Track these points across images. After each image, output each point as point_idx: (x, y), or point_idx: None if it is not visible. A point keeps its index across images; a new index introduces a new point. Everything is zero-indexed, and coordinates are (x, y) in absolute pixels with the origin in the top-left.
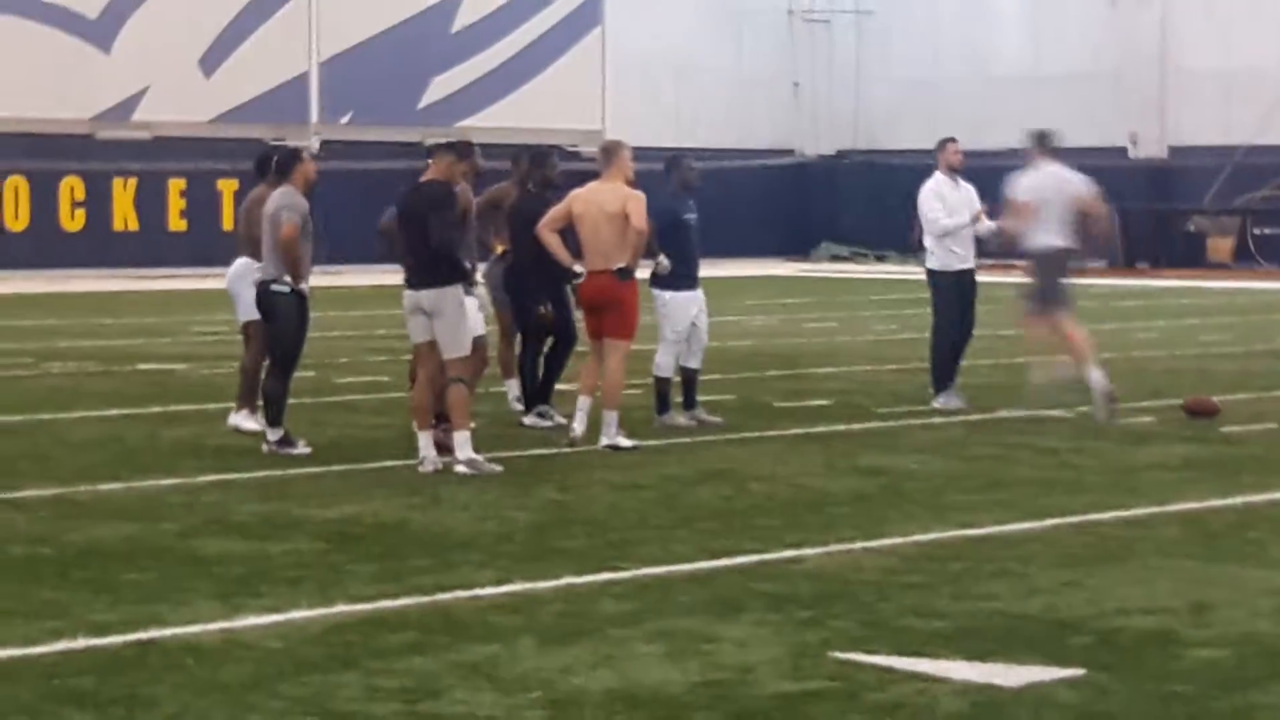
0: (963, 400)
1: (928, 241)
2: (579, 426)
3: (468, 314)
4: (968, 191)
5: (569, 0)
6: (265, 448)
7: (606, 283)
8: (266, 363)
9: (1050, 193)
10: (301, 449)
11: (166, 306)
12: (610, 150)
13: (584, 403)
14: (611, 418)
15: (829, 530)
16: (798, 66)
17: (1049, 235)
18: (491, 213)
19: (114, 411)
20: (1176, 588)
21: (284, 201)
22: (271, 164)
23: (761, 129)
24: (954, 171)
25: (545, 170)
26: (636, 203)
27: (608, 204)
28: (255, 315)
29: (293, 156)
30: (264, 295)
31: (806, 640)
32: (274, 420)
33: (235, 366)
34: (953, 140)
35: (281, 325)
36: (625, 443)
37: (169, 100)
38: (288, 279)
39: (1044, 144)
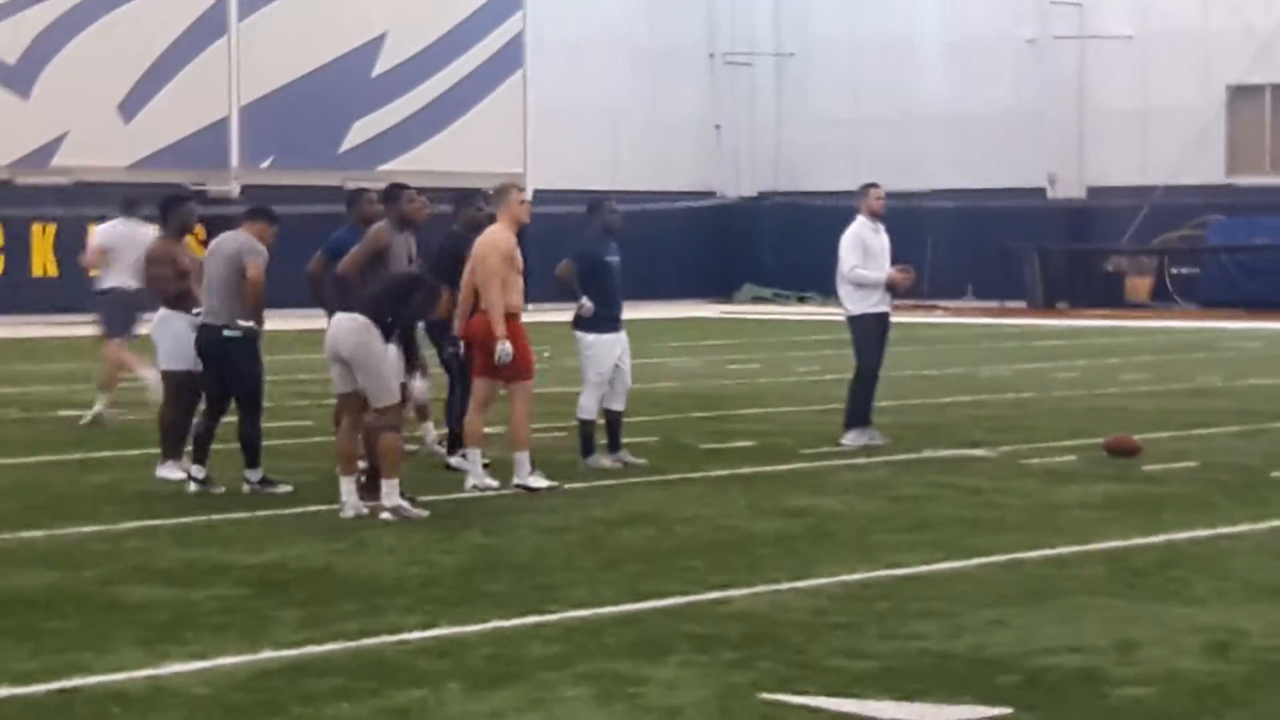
0: (876, 437)
1: (845, 287)
2: (472, 479)
3: (388, 359)
4: (885, 239)
5: (490, 45)
6: (247, 488)
7: (483, 323)
8: (203, 406)
9: (123, 240)
10: (283, 489)
11: (87, 353)
12: (500, 192)
13: (473, 455)
14: (521, 459)
15: (755, 571)
16: (719, 109)
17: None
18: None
19: (34, 458)
20: (1102, 626)
21: (245, 245)
22: (162, 210)
23: (683, 171)
24: (875, 217)
25: (471, 212)
26: (494, 250)
27: (479, 246)
28: (174, 366)
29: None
30: (214, 341)
31: (734, 681)
32: (254, 461)
33: (156, 414)
34: (875, 185)
35: (242, 369)
36: (538, 483)
37: (88, 145)
38: (241, 322)
39: (129, 209)
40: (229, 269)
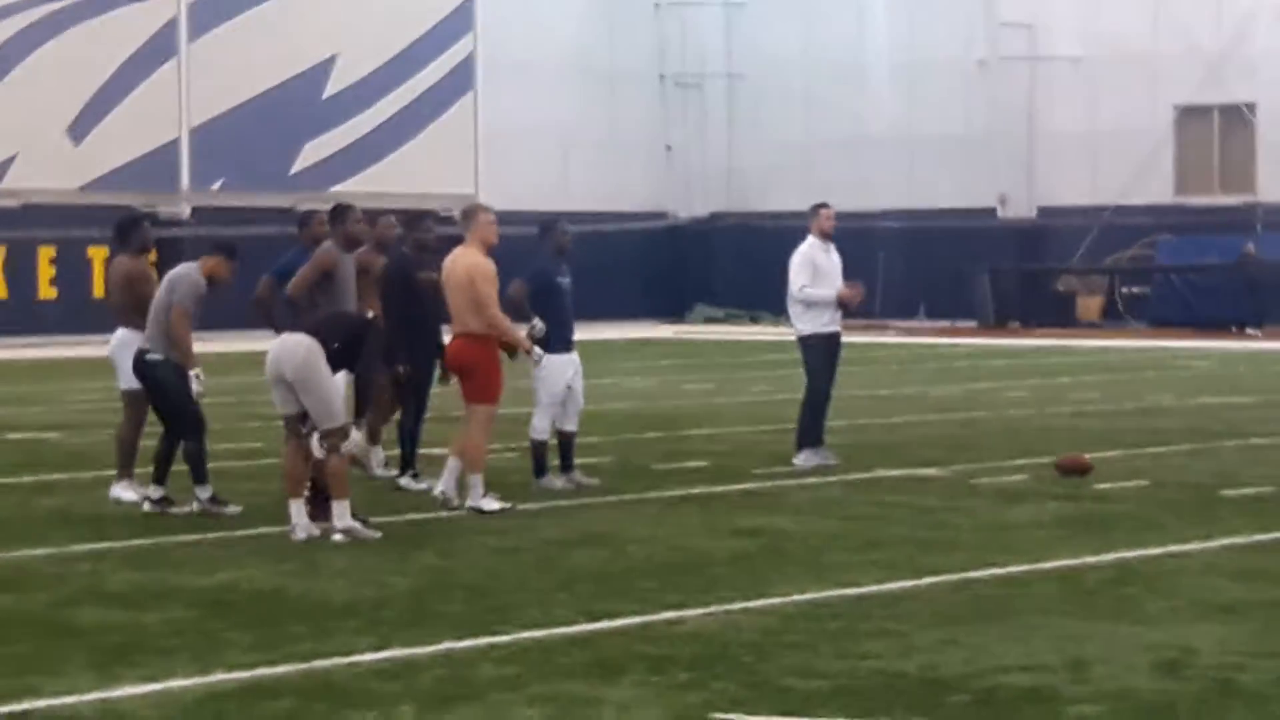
0: (829, 457)
1: (795, 307)
2: (442, 485)
3: (332, 381)
4: (837, 258)
5: (441, 66)
6: (197, 505)
7: (460, 346)
8: (163, 430)
9: None
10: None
11: (37, 375)
12: (468, 214)
13: (452, 464)
14: (475, 480)
15: (709, 591)
16: (670, 130)
17: None
18: (359, 278)
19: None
20: (1053, 645)
21: (182, 281)
22: (121, 231)
23: (635, 192)
24: (826, 237)
25: (420, 233)
26: (480, 274)
27: (458, 272)
28: (135, 385)
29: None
30: (143, 364)
31: (688, 701)
32: (199, 478)
33: (109, 434)
34: (825, 205)
35: (169, 393)
36: (490, 506)
37: (38, 168)
38: (159, 357)
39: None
40: (165, 299)
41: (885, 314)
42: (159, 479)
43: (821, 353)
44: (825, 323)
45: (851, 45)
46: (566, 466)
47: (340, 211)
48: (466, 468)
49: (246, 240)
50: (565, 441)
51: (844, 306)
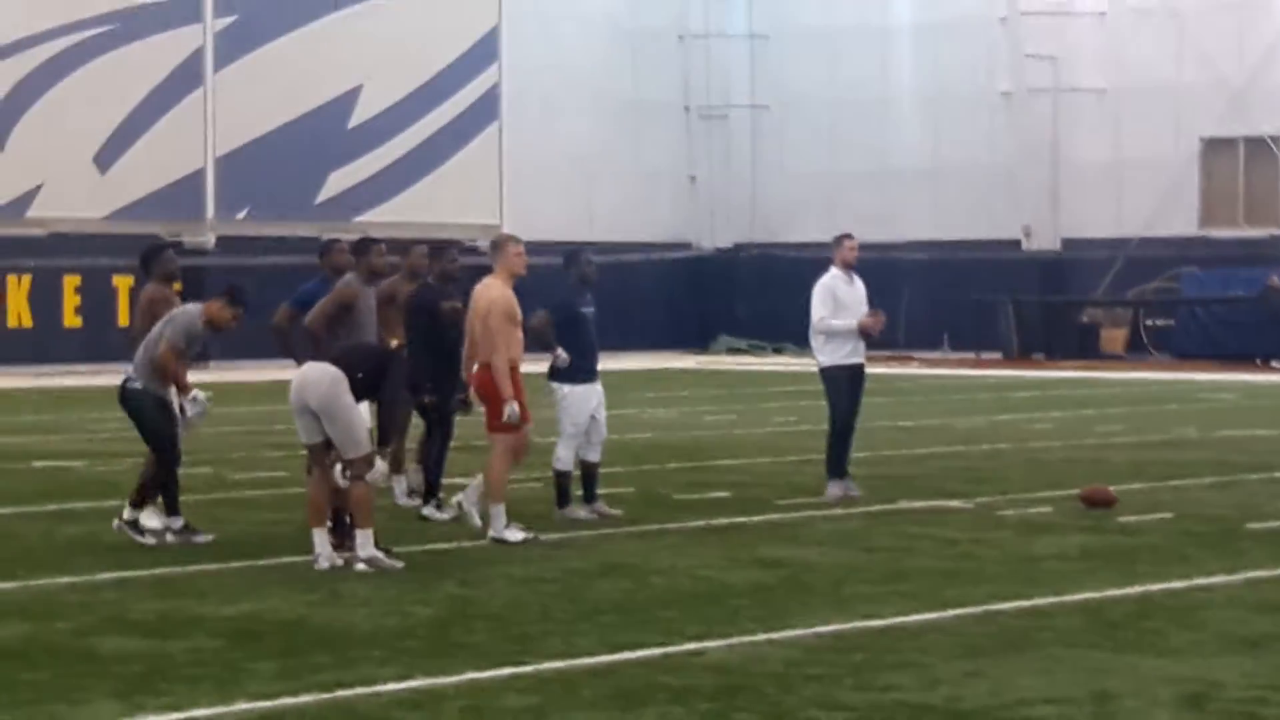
0: (851, 488)
1: (817, 339)
2: (461, 495)
3: (357, 410)
4: (861, 288)
5: (466, 96)
6: (170, 537)
7: (484, 377)
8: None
9: None
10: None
11: (61, 403)
12: (496, 245)
13: (477, 481)
14: (497, 511)
15: (731, 622)
16: (695, 160)
17: None
18: (384, 307)
19: (8, 509)
20: (1077, 677)
21: (180, 317)
22: (145, 260)
23: (659, 222)
24: (849, 268)
25: (444, 263)
26: (497, 306)
27: (481, 300)
28: None
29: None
30: (124, 390)
31: None
32: (171, 508)
33: (133, 463)
34: (848, 236)
35: (145, 420)
36: (514, 536)
37: (64, 197)
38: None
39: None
40: (159, 331)
41: (909, 345)
42: (172, 509)
43: (843, 384)
44: (846, 354)
45: (876, 77)
46: (590, 497)
47: (364, 245)
48: (488, 498)
49: (271, 269)
50: (589, 472)
51: (866, 335)
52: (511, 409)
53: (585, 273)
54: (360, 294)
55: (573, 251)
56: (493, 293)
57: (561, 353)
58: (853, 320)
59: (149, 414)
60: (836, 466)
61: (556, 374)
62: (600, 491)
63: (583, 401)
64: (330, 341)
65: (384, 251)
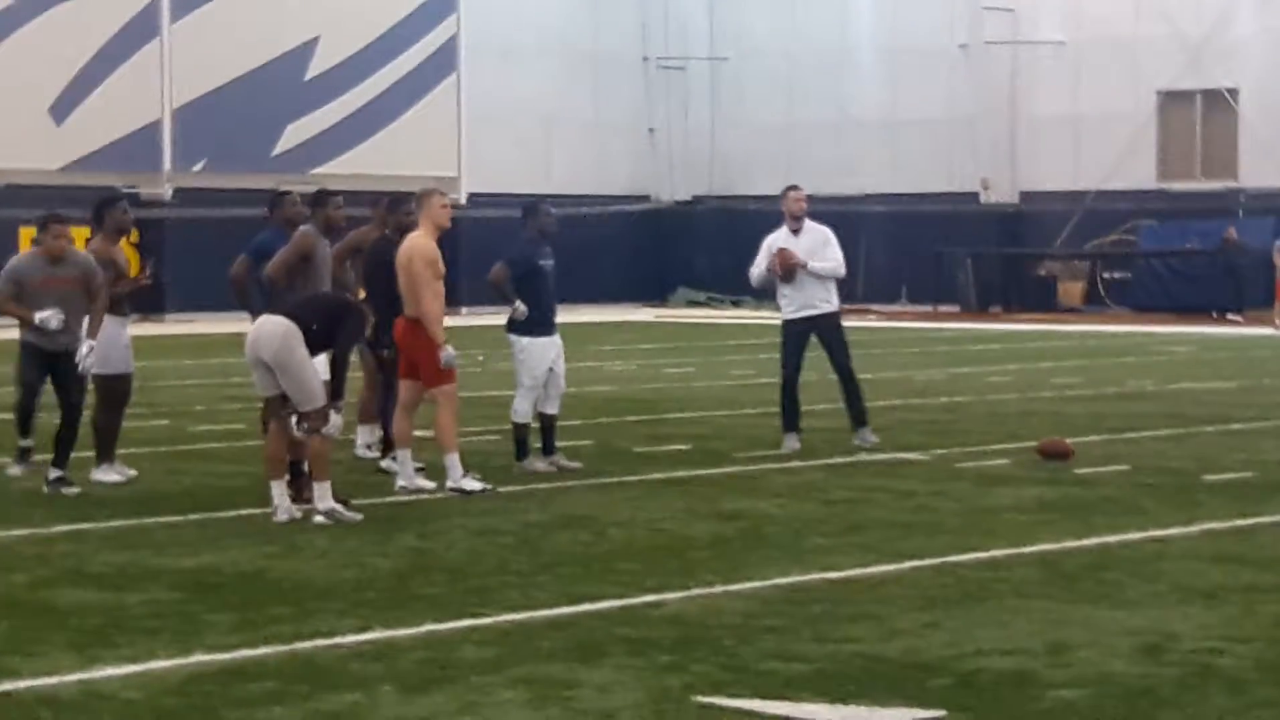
0: (864, 438)
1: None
2: (403, 480)
3: (311, 363)
4: (813, 238)
5: (424, 47)
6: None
7: (405, 328)
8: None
9: None
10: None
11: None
12: (421, 198)
13: (402, 455)
14: (452, 461)
15: (689, 574)
16: (653, 112)
17: None
18: (353, 257)
19: None
20: (1034, 629)
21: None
22: (96, 212)
23: (618, 175)
24: (795, 219)
25: (400, 215)
26: (418, 255)
27: (402, 253)
28: (109, 369)
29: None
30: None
31: (668, 685)
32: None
33: (88, 414)
34: (794, 188)
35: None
36: (471, 485)
37: (19, 148)
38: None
39: None
40: None
41: (867, 298)
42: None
43: (791, 339)
44: (796, 309)
45: (834, 28)
46: (548, 449)
47: (322, 196)
48: (441, 449)
49: (228, 221)
50: (547, 424)
51: (784, 274)
52: (446, 355)
53: (544, 225)
54: (318, 244)
55: (531, 204)
56: (414, 243)
57: (520, 305)
58: (761, 266)
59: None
60: (787, 420)
61: (515, 326)
62: (559, 444)
63: (541, 354)
64: (287, 293)
65: (341, 204)
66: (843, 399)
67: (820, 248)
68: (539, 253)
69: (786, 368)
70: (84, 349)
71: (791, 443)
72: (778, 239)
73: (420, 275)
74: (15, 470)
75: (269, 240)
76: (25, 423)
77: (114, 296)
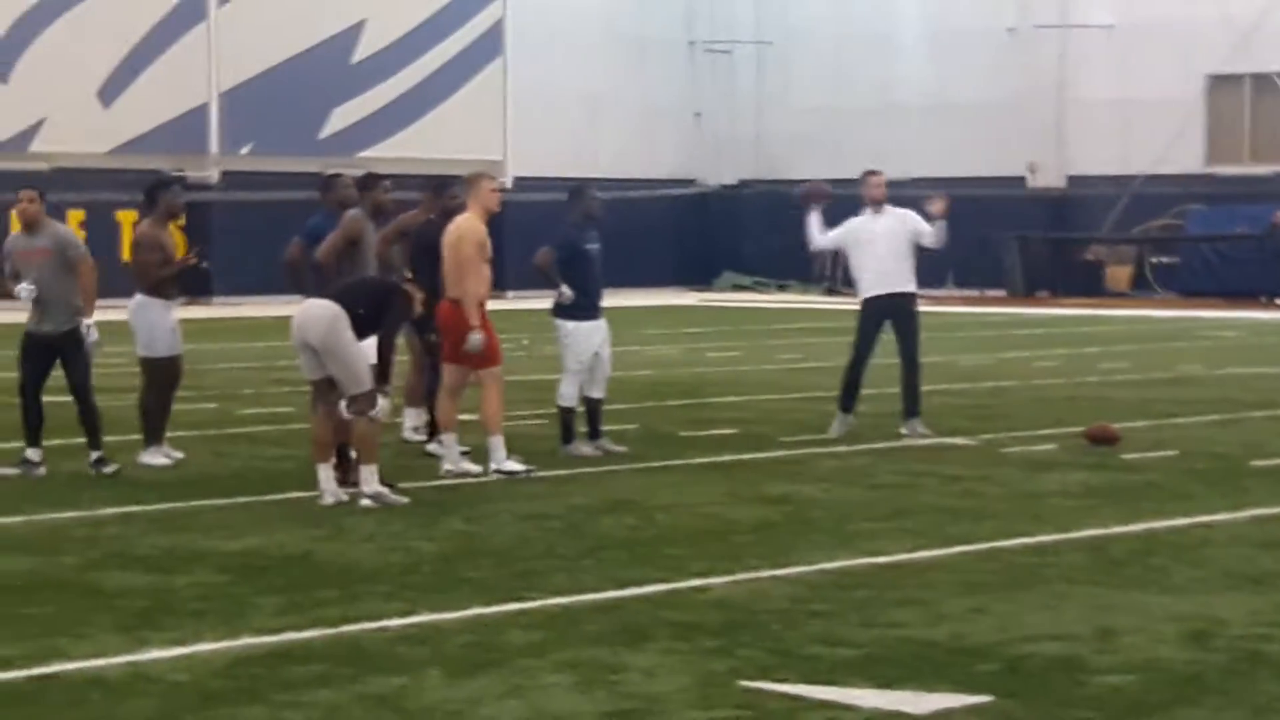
0: (914, 429)
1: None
2: (448, 464)
3: (358, 346)
4: (888, 222)
5: (470, 31)
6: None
7: (449, 310)
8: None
9: None
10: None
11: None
12: (470, 181)
13: (448, 439)
14: (496, 443)
15: (735, 559)
16: (699, 96)
17: None
18: (400, 240)
19: (14, 444)
20: (1082, 614)
21: None
22: (148, 194)
23: (664, 159)
24: (875, 203)
25: (444, 200)
26: (468, 236)
27: (450, 234)
28: (158, 353)
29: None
30: None
31: (714, 669)
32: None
33: (135, 399)
34: (873, 173)
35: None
36: (513, 466)
37: (67, 131)
38: None
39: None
40: None
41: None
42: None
43: (872, 316)
44: (876, 285)
45: (881, 12)
46: (595, 433)
47: (370, 180)
48: (486, 431)
49: (275, 205)
50: (593, 408)
51: (811, 198)
52: (474, 338)
53: (590, 209)
54: (366, 227)
55: (577, 187)
56: (465, 225)
57: (565, 289)
58: (814, 229)
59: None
60: (847, 399)
61: (560, 310)
62: (604, 428)
63: (586, 338)
64: (335, 277)
65: (389, 187)
66: (901, 385)
67: (904, 229)
68: (585, 236)
69: (860, 347)
70: (84, 326)
71: (842, 425)
72: (854, 221)
73: (469, 257)
74: (6, 471)
75: (321, 223)
76: (31, 428)
77: (160, 279)
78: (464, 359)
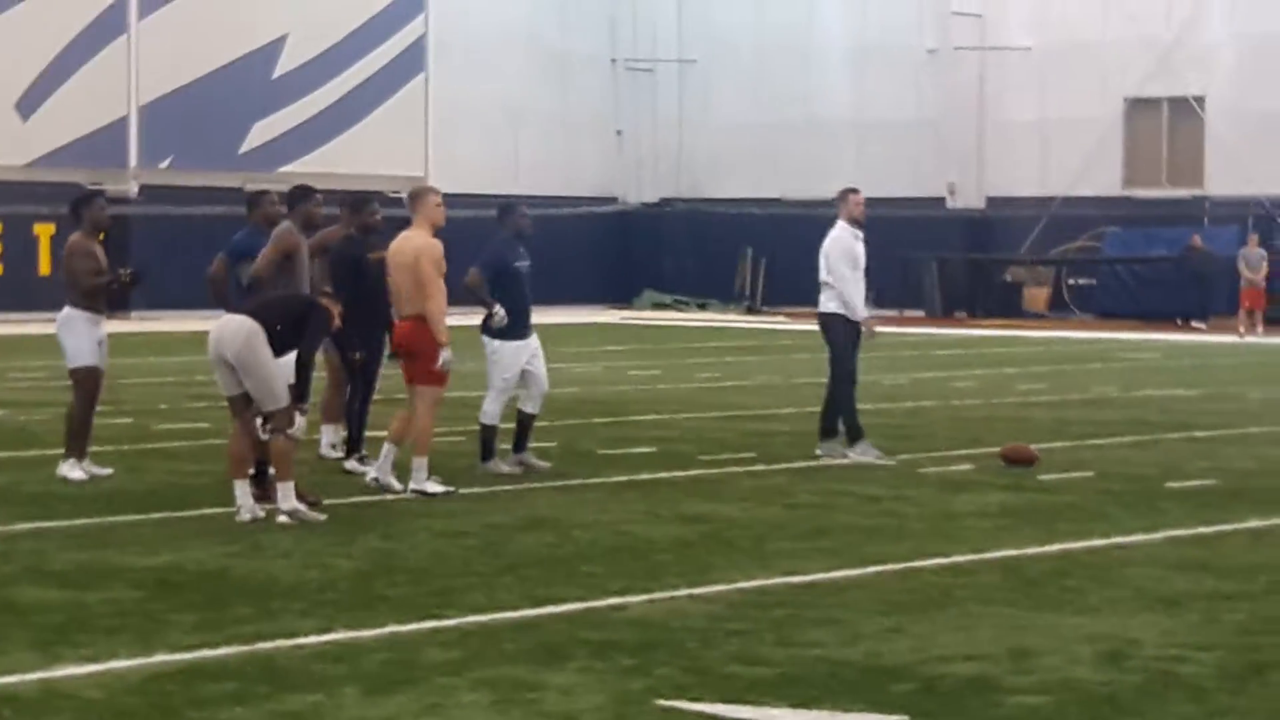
0: (877, 454)
1: (828, 291)
2: (375, 472)
3: (275, 363)
4: (862, 245)
5: (392, 47)
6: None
7: (409, 329)
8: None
9: None
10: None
11: None
12: (416, 196)
13: (388, 450)
14: (420, 463)
15: (653, 578)
16: (621, 113)
17: None
18: (321, 256)
19: None
20: (997, 635)
21: None
22: (74, 208)
23: (586, 176)
24: (857, 224)
25: (364, 216)
26: (427, 253)
27: (406, 253)
28: (82, 362)
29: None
30: None
31: (631, 688)
32: None
33: (53, 413)
34: (854, 191)
35: None
36: (434, 488)
37: None
38: None
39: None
40: None
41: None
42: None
43: (849, 335)
44: (861, 307)
45: (803, 30)
46: (519, 447)
47: (304, 192)
48: (413, 450)
49: (194, 219)
50: (524, 422)
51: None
52: (446, 356)
53: (520, 226)
54: (299, 241)
55: (507, 205)
56: (418, 242)
57: (499, 310)
58: (860, 306)
59: None
60: (854, 425)
61: (488, 328)
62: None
63: (514, 357)
64: (273, 290)
65: (321, 201)
66: (833, 405)
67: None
68: (514, 254)
69: (852, 366)
70: None
71: (871, 455)
72: (850, 242)
73: (429, 275)
74: None
75: (246, 239)
76: None
77: (92, 288)
78: (414, 372)
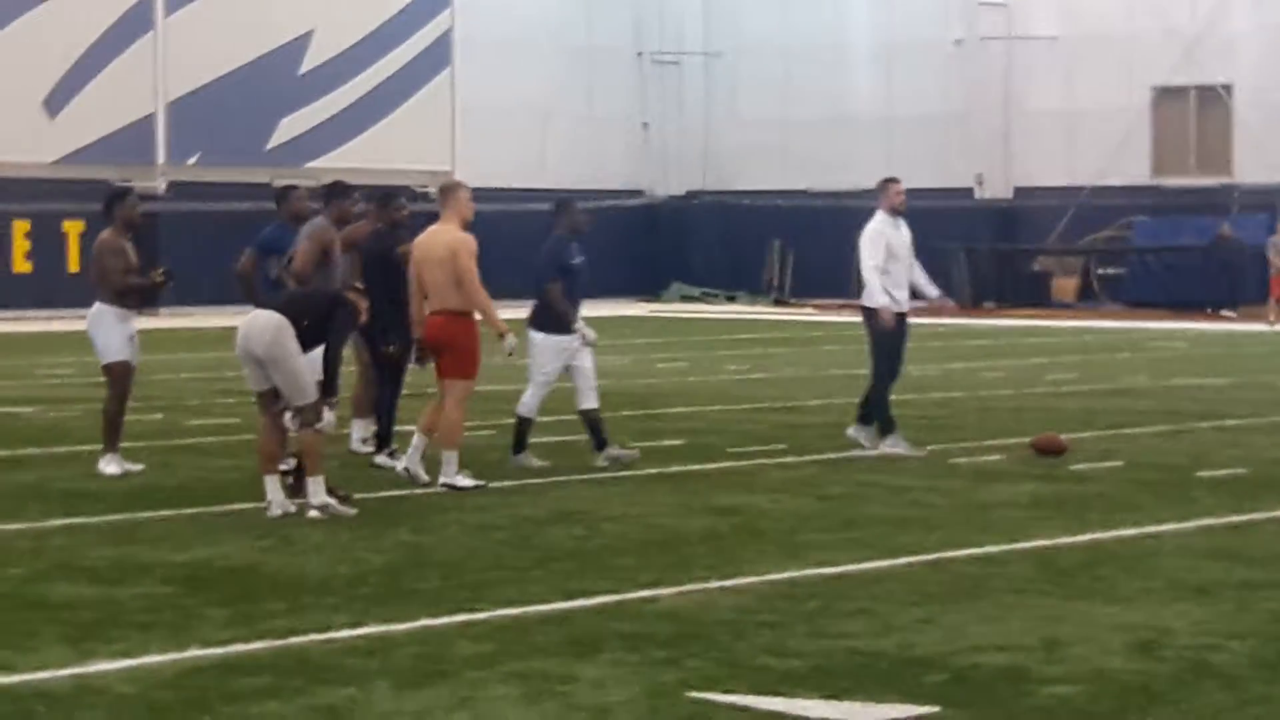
0: (911, 447)
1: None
2: (406, 463)
3: (303, 358)
4: (907, 233)
5: (418, 42)
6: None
7: (441, 323)
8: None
9: None
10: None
11: (12, 349)
12: (447, 191)
13: (418, 441)
14: (450, 457)
15: (684, 570)
16: (647, 107)
17: None
18: (349, 251)
19: None
20: (1028, 625)
21: None
22: (106, 205)
23: (612, 169)
24: (896, 213)
25: (391, 211)
26: (464, 247)
27: (438, 247)
28: (115, 358)
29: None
30: None
31: (663, 680)
32: None
33: (84, 409)
34: (894, 180)
35: None
36: (464, 482)
37: (13, 141)
38: None
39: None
40: None
41: (860, 293)
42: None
43: (890, 331)
44: (903, 299)
45: (829, 24)
46: (599, 444)
47: (340, 188)
48: (443, 444)
49: (222, 215)
50: (591, 420)
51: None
52: (511, 341)
53: (577, 222)
54: (335, 237)
55: (563, 201)
56: (450, 236)
57: (589, 333)
58: (885, 300)
59: None
60: (890, 419)
61: (534, 322)
62: (552, 439)
63: (555, 352)
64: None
65: (359, 199)
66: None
67: (909, 239)
68: (569, 252)
69: (893, 359)
70: None
71: (901, 446)
72: (886, 231)
73: (468, 269)
74: None
75: (274, 234)
76: None
77: (124, 288)
78: (447, 364)
